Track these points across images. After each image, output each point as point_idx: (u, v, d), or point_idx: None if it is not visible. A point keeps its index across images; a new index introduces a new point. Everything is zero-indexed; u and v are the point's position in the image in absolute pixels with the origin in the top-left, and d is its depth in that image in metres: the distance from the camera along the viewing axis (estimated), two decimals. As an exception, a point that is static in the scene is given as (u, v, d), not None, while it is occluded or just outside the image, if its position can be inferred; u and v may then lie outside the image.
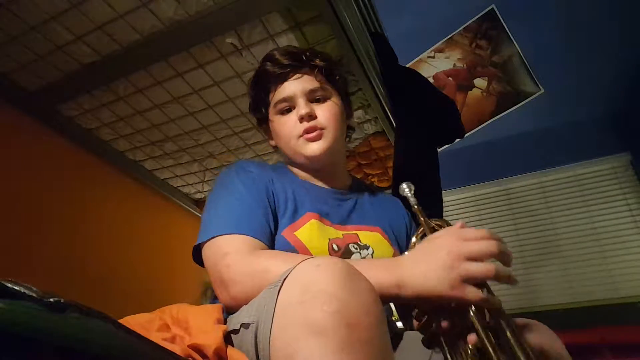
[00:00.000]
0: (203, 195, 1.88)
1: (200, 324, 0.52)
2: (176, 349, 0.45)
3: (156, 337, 0.46)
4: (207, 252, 0.69)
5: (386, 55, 1.27)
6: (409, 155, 1.26)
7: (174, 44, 1.11)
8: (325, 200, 0.83)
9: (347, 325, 0.39)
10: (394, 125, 1.34)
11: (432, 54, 2.70)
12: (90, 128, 1.45)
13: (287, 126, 0.82)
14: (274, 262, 0.60)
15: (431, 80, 2.64)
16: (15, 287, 0.25)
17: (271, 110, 0.85)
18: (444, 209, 1.45)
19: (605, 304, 2.15)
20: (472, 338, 0.51)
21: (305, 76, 0.83)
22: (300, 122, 0.80)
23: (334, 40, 1.10)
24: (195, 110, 1.38)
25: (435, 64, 2.70)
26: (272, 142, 0.92)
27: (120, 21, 1.05)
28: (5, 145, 1.26)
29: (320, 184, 0.87)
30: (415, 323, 0.59)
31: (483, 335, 0.48)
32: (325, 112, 0.82)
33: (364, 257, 0.77)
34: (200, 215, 1.92)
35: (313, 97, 0.83)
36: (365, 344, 0.40)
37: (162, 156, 1.62)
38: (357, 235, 0.80)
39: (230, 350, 0.49)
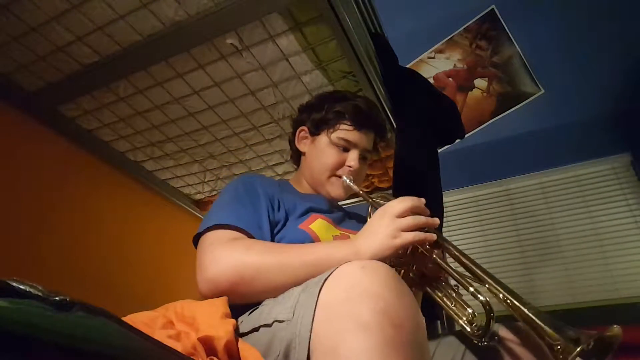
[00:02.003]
0: (203, 196, 1.88)
1: (207, 319, 0.52)
2: (179, 346, 0.45)
3: (160, 335, 0.46)
4: (200, 245, 0.75)
5: (386, 56, 1.27)
6: (409, 156, 1.26)
7: (175, 44, 1.11)
8: (325, 206, 0.94)
9: (392, 325, 0.41)
10: (394, 125, 1.34)
11: (432, 55, 2.70)
12: (91, 129, 1.45)
13: (333, 159, 0.94)
14: (244, 250, 0.68)
15: (431, 80, 2.64)
16: (21, 286, 0.25)
17: (327, 135, 0.96)
18: (445, 210, 1.44)
19: (606, 304, 2.14)
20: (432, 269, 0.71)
21: (370, 136, 0.98)
22: (347, 166, 0.94)
23: (334, 41, 1.10)
24: (195, 111, 1.38)
25: (435, 65, 2.70)
26: (301, 147, 1.02)
27: (121, 22, 1.05)
28: (6, 146, 1.25)
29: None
30: None
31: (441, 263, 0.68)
32: (362, 172, 0.99)
33: None
34: (200, 215, 1.93)
35: (363, 155, 0.98)
36: (408, 345, 0.41)
37: (163, 157, 1.61)
38: (349, 237, 0.88)
39: (241, 344, 0.49)
